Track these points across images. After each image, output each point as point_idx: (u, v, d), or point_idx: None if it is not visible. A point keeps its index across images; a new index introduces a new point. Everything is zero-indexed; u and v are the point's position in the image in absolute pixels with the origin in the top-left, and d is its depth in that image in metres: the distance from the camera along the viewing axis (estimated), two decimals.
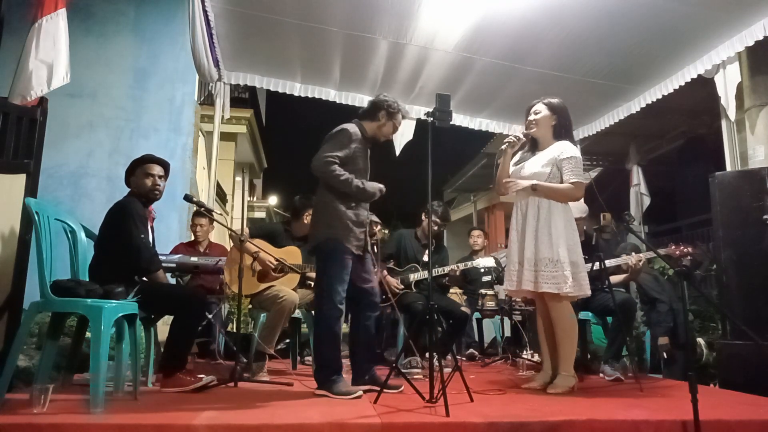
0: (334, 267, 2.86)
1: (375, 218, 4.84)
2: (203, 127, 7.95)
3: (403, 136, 5.18)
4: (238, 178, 14.60)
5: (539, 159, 3.13)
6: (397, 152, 5.36)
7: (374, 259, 3.12)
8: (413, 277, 4.32)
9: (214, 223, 4.49)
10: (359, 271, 2.99)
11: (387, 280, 4.08)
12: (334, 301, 2.82)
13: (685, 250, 3.68)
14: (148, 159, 3.01)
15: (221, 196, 11.85)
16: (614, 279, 3.98)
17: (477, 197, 13.18)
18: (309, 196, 4.02)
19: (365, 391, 2.77)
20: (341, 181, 2.86)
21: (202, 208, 3.42)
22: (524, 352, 4.66)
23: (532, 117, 3.18)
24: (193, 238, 4.86)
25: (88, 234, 2.98)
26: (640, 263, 3.81)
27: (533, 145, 3.24)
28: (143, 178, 2.96)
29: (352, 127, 3.01)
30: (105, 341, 2.34)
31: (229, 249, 4.45)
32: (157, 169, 2.99)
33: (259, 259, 3.62)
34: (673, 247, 3.71)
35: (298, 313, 3.82)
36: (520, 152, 3.28)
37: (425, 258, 4.35)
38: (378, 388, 2.65)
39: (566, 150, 3.08)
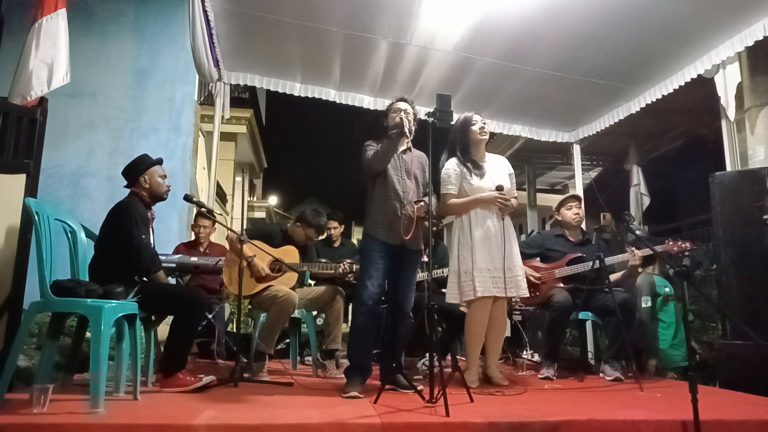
0: (363, 263, 3.00)
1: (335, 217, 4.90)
2: (203, 127, 7.95)
3: None
4: (238, 178, 14.60)
5: (498, 173, 3.37)
6: None
7: (426, 258, 3.13)
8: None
9: (217, 225, 4.49)
10: (398, 275, 3.02)
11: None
12: (362, 297, 2.91)
13: (683, 245, 3.68)
14: (160, 161, 3.06)
15: (221, 196, 11.85)
16: (613, 277, 3.99)
17: None
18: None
19: (388, 390, 2.77)
20: (370, 160, 2.99)
21: (204, 210, 3.43)
22: (524, 352, 4.67)
23: (483, 125, 3.42)
24: (193, 238, 4.86)
25: (88, 234, 2.98)
26: (638, 259, 3.83)
27: (474, 154, 3.41)
28: (159, 178, 2.99)
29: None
30: (105, 341, 2.34)
31: (227, 246, 4.47)
32: (162, 170, 3.05)
33: (252, 264, 3.61)
34: (671, 242, 3.71)
35: (297, 313, 3.82)
36: (462, 167, 3.34)
37: (425, 258, 4.34)
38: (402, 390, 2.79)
39: (509, 165, 3.51)
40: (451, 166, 3.37)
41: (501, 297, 3.21)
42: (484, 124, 3.41)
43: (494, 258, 3.17)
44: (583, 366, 4.00)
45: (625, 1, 3.51)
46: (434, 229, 4.23)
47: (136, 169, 2.99)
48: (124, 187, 3.02)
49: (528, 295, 3.36)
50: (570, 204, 4.07)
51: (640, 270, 4.30)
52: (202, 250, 4.72)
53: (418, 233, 2.97)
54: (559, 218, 4.13)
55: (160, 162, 3.06)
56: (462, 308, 4.61)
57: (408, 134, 3.00)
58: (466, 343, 3.38)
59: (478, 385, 3.11)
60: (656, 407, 2.63)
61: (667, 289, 4.31)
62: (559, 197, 4.46)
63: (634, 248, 3.85)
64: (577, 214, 4.05)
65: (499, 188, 3.21)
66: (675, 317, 4.24)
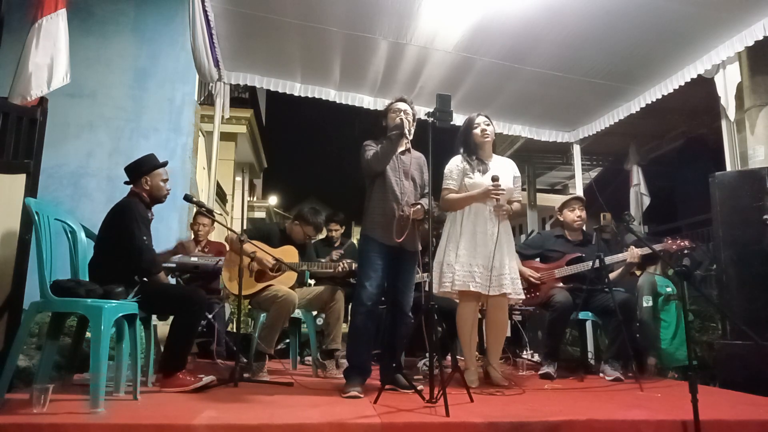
0: (361, 264, 3.00)
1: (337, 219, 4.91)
2: (203, 127, 7.95)
3: None
4: (238, 178, 14.61)
5: (503, 174, 3.24)
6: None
7: (420, 261, 3.10)
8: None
9: (215, 224, 4.50)
10: (396, 275, 3.01)
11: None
12: (361, 298, 2.90)
13: (682, 243, 3.68)
14: (164, 164, 3.06)
15: (221, 196, 11.85)
16: (611, 276, 3.99)
17: None
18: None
19: (388, 390, 2.77)
20: (369, 161, 2.99)
21: (203, 209, 3.43)
22: (524, 352, 4.67)
23: (485, 128, 3.38)
24: (192, 237, 4.86)
25: (88, 234, 2.98)
26: (635, 257, 3.83)
27: (479, 154, 3.40)
28: (160, 182, 2.99)
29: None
30: (105, 341, 2.34)
31: (226, 247, 4.47)
32: (165, 173, 3.05)
33: (256, 258, 3.62)
34: (670, 241, 3.71)
35: (298, 313, 3.82)
36: (465, 163, 3.35)
37: (425, 259, 4.34)
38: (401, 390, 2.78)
39: (516, 168, 3.47)
40: (454, 163, 3.39)
41: (498, 297, 3.20)
42: (487, 126, 3.39)
43: (478, 254, 3.16)
44: (583, 366, 4.00)
45: (625, 1, 3.51)
46: (435, 232, 4.25)
47: (141, 169, 2.98)
48: (125, 183, 3.02)
49: (522, 297, 3.31)
50: (573, 206, 4.05)
51: (638, 271, 4.30)
52: (199, 249, 4.73)
53: (415, 235, 2.97)
54: (561, 218, 4.12)
55: (164, 165, 3.06)
56: None
57: (407, 135, 3.00)
58: (460, 342, 3.38)
59: (478, 385, 3.11)
60: (656, 407, 2.63)
61: (668, 289, 4.32)
62: (559, 197, 4.46)
63: (632, 247, 3.85)
64: (580, 216, 4.03)
65: (494, 178, 3.16)
66: (676, 317, 4.25)
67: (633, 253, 3.81)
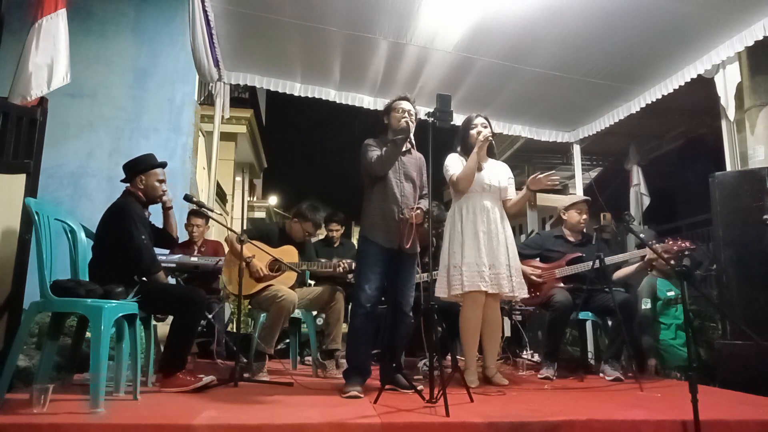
0: (360, 266, 2.97)
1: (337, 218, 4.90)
2: (203, 127, 7.95)
3: None
4: (238, 178, 14.62)
5: (497, 173, 3.39)
6: None
7: (419, 261, 3.09)
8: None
9: (215, 223, 4.49)
10: (396, 275, 3.00)
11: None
12: (360, 299, 2.89)
13: (683, 245, 3.68)
14: (163, 164, 3.06)
15: (221, 196, 11.86)
16: (622, 273, 4.00)
17: None
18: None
19: (388, 390, 2.77)
20: (373, 164, 2.96)
21: (202, 208, 3.42)
22: (524, 352, 4.67)
23: (482, 129, 3.39)
24: (188, 237, 4.85)
25: (88, 234, 2.98)
26: (645, 258, 3.83)
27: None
28: (156, 182, 2.99)
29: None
30: (105, 341, 2.34)
31: (224, 244, 4.47)
32: (162, 174, 3.05)
33: (250, 264, 3.62)
34: (671, 242, 3.71)
35: (297, 313, 3.82)
36: (462, 160, 3.39)
37: (425, 258, 4.34)
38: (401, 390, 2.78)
39: (509, 171, 3.53)
40: (454, 156, 3.43)
41: (492, 296, 3.20)
42: (484, 128, 3.39)
43: (481, 253, 3.17)
44: (583, 366, 4.00)
45: (625, 1, 3.51)
46: (434, 231, 4.24)
47: (137, 168, 2.98)
48: (121, 181, 3.02)
49: (527, 295, 3.34)
50: (581, 208, 4.06)
51: (653, 271, 4.28)
52: (196, 249, 4.72)
53: (415, 238, 2.97)
54: (565, 217, 4.11)
55: (162, 165, 3.05)
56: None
57: (411, 138, 3.01)
58: (461, 342, 3.38)
59: (478, 385, 3.11)
60: (656, 407, 2.63)
61: (670, 293, 4.31)
62: (559, 197, 4.47)
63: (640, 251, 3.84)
64: (586, 219, 4.05)
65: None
66: (678, 319, 4.25)
67: (637, 253, 3.80)
